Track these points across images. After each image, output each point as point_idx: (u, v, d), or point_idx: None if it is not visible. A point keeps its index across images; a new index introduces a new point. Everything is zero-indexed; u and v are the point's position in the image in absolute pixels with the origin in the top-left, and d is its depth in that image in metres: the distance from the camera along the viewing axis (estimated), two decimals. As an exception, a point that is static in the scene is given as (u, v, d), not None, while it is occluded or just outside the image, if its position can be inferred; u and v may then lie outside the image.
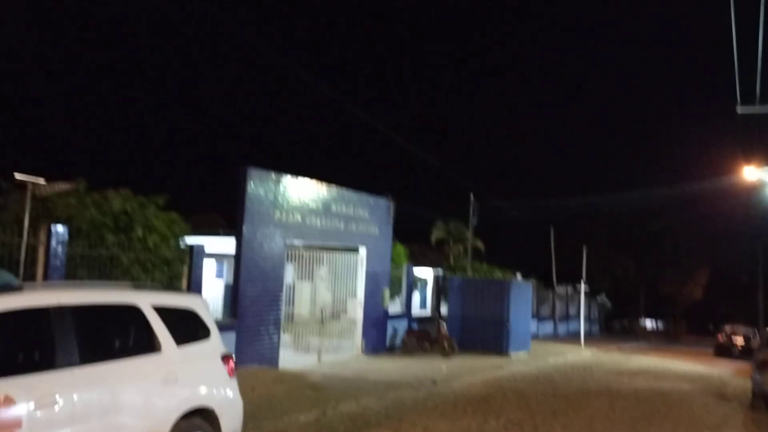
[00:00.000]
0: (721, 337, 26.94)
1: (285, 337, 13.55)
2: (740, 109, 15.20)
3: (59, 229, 8.87)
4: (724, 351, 25.63)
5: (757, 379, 12.38)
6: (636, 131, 75.50)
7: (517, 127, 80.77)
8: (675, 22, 76.30)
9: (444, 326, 17.54)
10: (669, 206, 37.86)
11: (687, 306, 51.90)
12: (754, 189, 21.60)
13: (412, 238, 26.53)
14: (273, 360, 12.76)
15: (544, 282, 31.08)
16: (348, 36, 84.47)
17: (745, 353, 22.67)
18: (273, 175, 13.01)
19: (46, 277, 8.68)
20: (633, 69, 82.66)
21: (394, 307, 17.81)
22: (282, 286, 13.18)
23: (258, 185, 12.61)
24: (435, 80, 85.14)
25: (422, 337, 17.15)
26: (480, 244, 32.55)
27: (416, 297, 21.60)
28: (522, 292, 20.32)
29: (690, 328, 51.38)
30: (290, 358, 13.41)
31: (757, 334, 24.25)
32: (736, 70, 14.20)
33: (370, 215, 16.18)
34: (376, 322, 16.35)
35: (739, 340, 25.82)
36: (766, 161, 18.74)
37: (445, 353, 16.64)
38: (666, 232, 45.81)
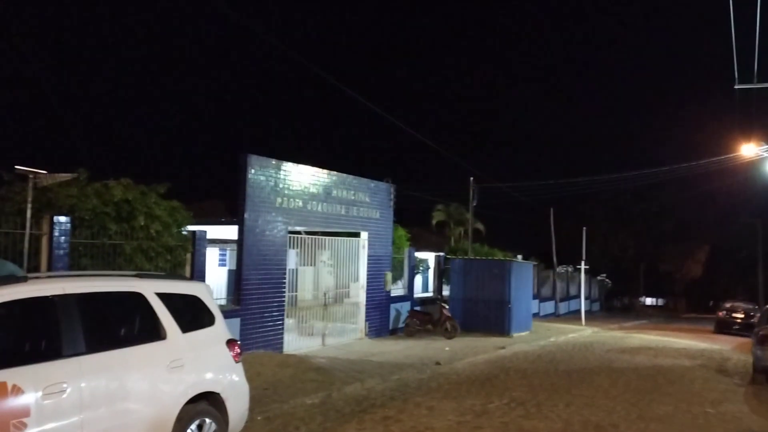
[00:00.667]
0: (721, 314, 27.00)
1: (289, 322, 13.66)
2: (738, 86, 15.21)
3: (62, 219, 8.91)
4: (725, 327, 25.70)
5: (758, 354, 12.47)
6: (635, 110, 75.26)
7: (517, 108, 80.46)
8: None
9: (446, 308, 17.66)
10: (668, 185, 37.90)
11: (687, 283, 52.19)
12: (752, 165, 21.60)
13: (413, 221, 26.64)
14: (278, 344, 12.88)
15: (545, 262, 31.22)
16: (346, 18, 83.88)
17: (746, 329, 22.76)
18: (273, 162, 13.03)
19: (50, 267, 8.74)
20: (632, 48, 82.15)
21: (397, 290, 17.91)
22: (285, 271, 13.25)
23: (258, 172, 12.63)
24: (434, 62, 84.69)
25: (425, 319, 17.28)
26: (481, 226, 32.68)
27: (418, 279, 21.71)
28: (523, 273, 20.42)
29: (690, 305, 51.70)
30: (295, 342, 13.53)
31: (758, 310, 24.37)
32: (734, 47, 14.17)
33: (370, 200, 16.22)
34: (378, 305, 16.46)
35: (739, 316, 25.90)
36: (764, 138, 18.76)
37: (448, 334, 16.77)
38: (665, 210, 45.93)
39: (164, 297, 5.65)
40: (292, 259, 14.08)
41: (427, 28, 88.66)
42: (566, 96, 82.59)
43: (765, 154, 18.85)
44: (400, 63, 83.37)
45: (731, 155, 21.00)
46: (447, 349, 14.92)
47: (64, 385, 4.50)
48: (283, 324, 13.13)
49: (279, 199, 13.11)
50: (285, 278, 13.25)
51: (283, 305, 13.19)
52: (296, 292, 14.54)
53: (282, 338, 13.06)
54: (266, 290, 12.70)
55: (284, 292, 13.22)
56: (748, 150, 19.15)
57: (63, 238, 8.91)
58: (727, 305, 27.60)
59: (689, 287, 52.98)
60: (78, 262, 9.16)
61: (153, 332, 5.47)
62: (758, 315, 19.10)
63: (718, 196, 42.54)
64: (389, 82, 79.73)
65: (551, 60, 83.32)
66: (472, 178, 25.63)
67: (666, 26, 78.76)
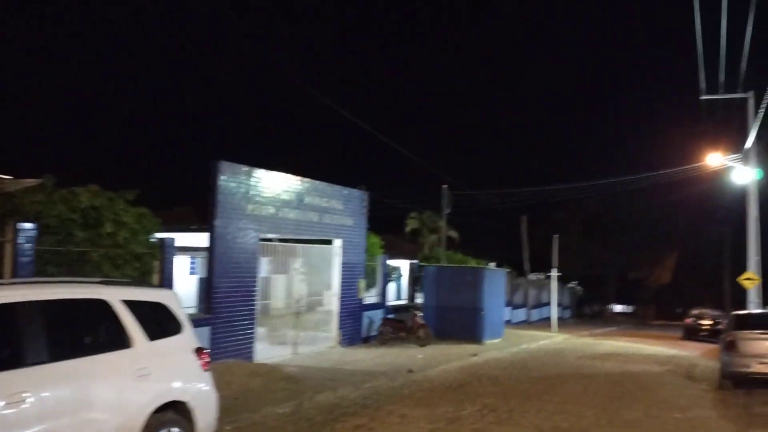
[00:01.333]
0: (689, 321, 27.40)
1: (260, 331, 13.51)
2: (704, 97, 15.60)
3: (27, 226, 8.70)
4: (693, 334, 26.08)
5: (726, 360, 12.65)
6: (604, 120, 76.39)
7: (488, 117, 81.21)
8: (640, 10, 77.30)
9: (419, 315, 17.66)
10: (637, 193, 38.52)
11: (655, 290, 53.06)
12: (719, 174, 22.11)
13: (387, 229, 26.58)
14: (248, 353, 12.73)
15: (518, 270, 31.50)
16: (319, 25, 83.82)
17: (713, 336, 23.15)
18: (244, 169, 12.92)
19: (14, 275, 8.51)
20: (600, 58, 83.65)
21: (370, 297, 17.88)
22: (256, 279, 13.13)
23: (229, 179, 12.51)
24: (405, 69, 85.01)
25: (398, 326, 17.26)
26: (454, 234, 32.83)
27: (391, 287, 21.70)
28: (495, 280, 20.57)
29: (659, 312, 52.51)
30: (266, 351, 13.38)
31: (725, 317, 24.82)
32: (699, 58, 14.53)
33: (344, 207, 16.18)
34: (351, 313, 16.39)
35: (707, 323, 26.32)
36: (730, 147, 19.24)
37: (421, 342, 16.77)
38: (634, 218, 46.72)
39: (130, 304, 5.56)
40: (263, 266, 13.96)
41: (401, 35, 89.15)
42: (536, 105, 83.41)
43: (731, 164, 19.32)
44: (370, 68, 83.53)
45: (698, 164, 21.49)
46: (420, 356, 14.91)
47: (26, 395, 4.39)
48: (254, 333, 12.98)
49: (250, 206, 12.99)
50: (256, 286, 13.13)
51: (255, 314, 13.05)
52: (268, 300, 14.43)
53: (253, 347, 12.91)
54: (237, 298, 12.56)
55: (255, 300, 13.09)
56: (714, 160, 19.62)
57: (28, 245, 8.69)
58: (695, 312, 28.01)
59: (658, 294, 53.81)
60: (43, 269, 8.94)
61: (118, 340, 5.38)
62: (725, 322, 19.44)
63: (687, 205, 43.31)
64: (361, 89, 79.84)
65: (521, 68, 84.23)
66: (445, 186, 25.79)
67: (633, 36, 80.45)
